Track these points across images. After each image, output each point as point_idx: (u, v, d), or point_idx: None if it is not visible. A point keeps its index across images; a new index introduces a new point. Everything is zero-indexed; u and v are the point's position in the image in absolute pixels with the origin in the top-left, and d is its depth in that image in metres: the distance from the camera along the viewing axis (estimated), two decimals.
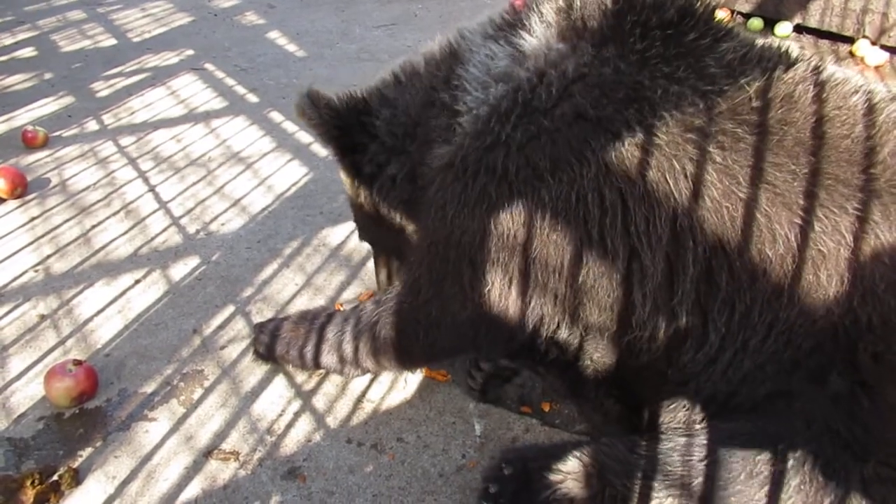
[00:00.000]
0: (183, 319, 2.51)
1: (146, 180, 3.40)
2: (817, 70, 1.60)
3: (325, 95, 2.01)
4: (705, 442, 1.60)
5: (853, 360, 1.49)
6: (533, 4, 1.78)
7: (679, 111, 1.52)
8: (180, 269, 2.77)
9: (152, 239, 2.96)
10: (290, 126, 3.97)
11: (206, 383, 2.24)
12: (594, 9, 1.66)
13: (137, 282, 2.69)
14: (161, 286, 2.68)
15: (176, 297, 2.62)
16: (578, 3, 1.69)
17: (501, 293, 1.75)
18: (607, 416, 2.06)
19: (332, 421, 2.12)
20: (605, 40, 1.62)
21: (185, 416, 2.12)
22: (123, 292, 2.63)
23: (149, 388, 2.22)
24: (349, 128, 2.00)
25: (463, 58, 1.84)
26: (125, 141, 3.78)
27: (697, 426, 1.70)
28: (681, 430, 1.70)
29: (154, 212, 3.15)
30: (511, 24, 1.81)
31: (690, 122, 1.52)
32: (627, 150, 1.54)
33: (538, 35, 1.72)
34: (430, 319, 1.89)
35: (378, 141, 1.99)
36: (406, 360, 2.06)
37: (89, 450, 2.01)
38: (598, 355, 1.89)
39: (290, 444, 2.04)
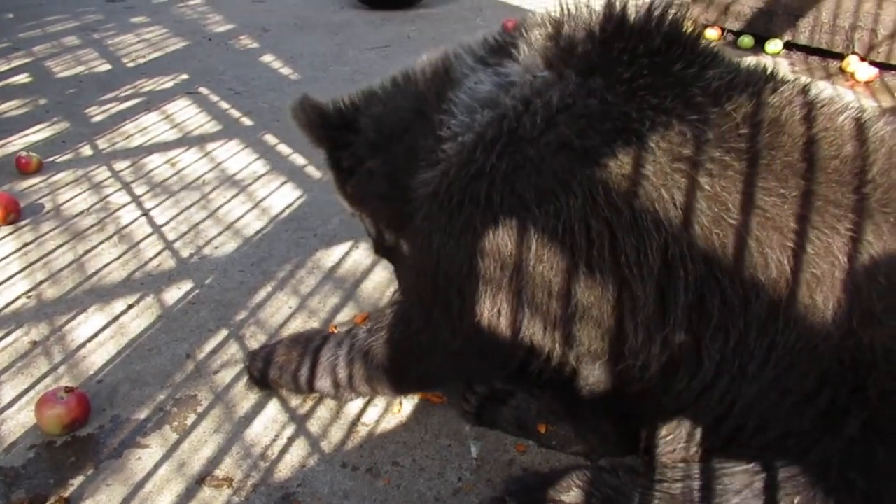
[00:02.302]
0: (176, 344, 2.50)
1: (140, 205, 3.40)
2: (804, 91, 1.60)
3: (316, 100, 2.04)
4: (713, 483, 1.57)
5: (865, 398, 1.46)
6: (521, 29, 1.79)
7: (666, 141, 1.51)
8: (174, 294, 2.76)
9: (146, 263, 2.95)
10: (284, 149, 3.98)
11: (200, 409, 2.22)
12: (582, 36, 1.66)
13: (130, 307, 2.68)
14: (154, 311, 2.66)
15: (169, 321, 2.61)
16: (567, 29, 1.69)
17: (491, 323, 1.73)
18: (604, 438, 2.04)
19: (327, 445, 2.10)
20: (593, 69, 1.61)
21: (178, 443, 2.10)
22: (116, 317, 2.62)
23: (141, 415, 2.20)
24: (336, 127, 2.02)
25: (454, 79, 1.84)
26: (119, 165, 3.79)
27: (704, 462, 1.66)
28: (686, 467, 1.67)
29: (148, 236, 3.14)
30: (500, 49, 1.81)
31: (678, 152, 1.51)
32: (614, 181, 1.53)
33: (525, 62, 1.71)
34: (422, 349, 1.88)
35: (362, 135, 1.99)
36: (400, 387, 2.05)
37: (81, 478, 1.98)
38: (591, 377, 1.88)
39: (285, 469, 2.02)
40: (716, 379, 1.57)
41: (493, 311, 1.72)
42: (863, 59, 5.04)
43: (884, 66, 4.99)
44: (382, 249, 2.26)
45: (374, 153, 1.97)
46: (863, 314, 1.45)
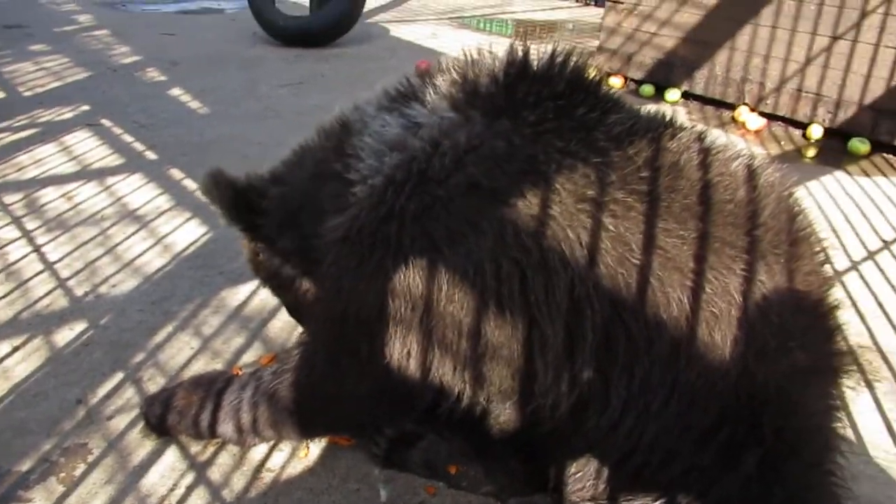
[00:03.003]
0: (66, 389, 2.34)
1: (31, 240, 3.21)
2: (700, 138, 1.68)
3: (227, 177, 2.02)
4: None
5: (761, 435, 1.51)
6: (425, 77, 1.82)
7: (572, 183, 1.56)
8: (65, 335, 2.60)
9: (35, 302, 2.77)
10: (190, 184, 3.86)
11: (91, 458, 2.08)
12: (486, 80, 1.70)
13: (16, 349, 2.50)
14: (43, 353, 2.50)
15: (59, 364, 2.45)
16: (471, 75, 1.73)
17: (400, 366, 1.71)
18: (514, 477, 2.03)
19: (229, 494, 2.00)
20: (499, 112, 1.65)
21: (64, 495, 1.95)
22: (0, 361, 2.44)
23: (24, 466, 2.04)
24: (247, 210, 2.02)
25: (354, 128, 1.86)
26: (10, 198, 3.58)
27: (611, 499, 1.68)
28: None
29: (38, 273, 2.96)
30: (405, 96, 1.84)
31: (583, 193, 1.55)
32: (523, 221, 1.55)
33: (432, 106, 1.74)
34: (328, 393, 1.85)
35: (268, 217, 2.00)
36: (306, 431, 1.99)
37: None
38: (502, 417, 1.88)
39: None
40: (623, 416, 1.60)
41: (402, 352, 1.70)
42: (752, 110, 5.39)
43: (771, 117, 5.36)
44: (295, 313, 2.26)
45: (282, 232, 1.99)
46: (757, 352, 1.51)
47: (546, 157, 1.58)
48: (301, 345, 1.93)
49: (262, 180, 2.05)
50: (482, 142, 1.61)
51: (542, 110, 1.63)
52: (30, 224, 3.35)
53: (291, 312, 2.34)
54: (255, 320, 2.76)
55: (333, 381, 1.82)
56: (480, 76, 1.72)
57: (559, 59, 1.71)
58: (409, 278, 1.62)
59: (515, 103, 1.65)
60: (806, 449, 1.53)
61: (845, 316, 1.76)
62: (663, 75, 5.97)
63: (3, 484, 1.98)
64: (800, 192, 1.73)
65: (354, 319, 1.71)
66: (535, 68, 1.70)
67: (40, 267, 3.01)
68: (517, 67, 1.70)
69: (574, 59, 1.72)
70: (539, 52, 1.73)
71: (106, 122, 4.67)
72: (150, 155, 4.23)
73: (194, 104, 5.20)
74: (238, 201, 2.01)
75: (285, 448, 2.16)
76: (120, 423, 2.22)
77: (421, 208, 1.60)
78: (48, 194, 3.66)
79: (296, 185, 1.97)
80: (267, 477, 2.07)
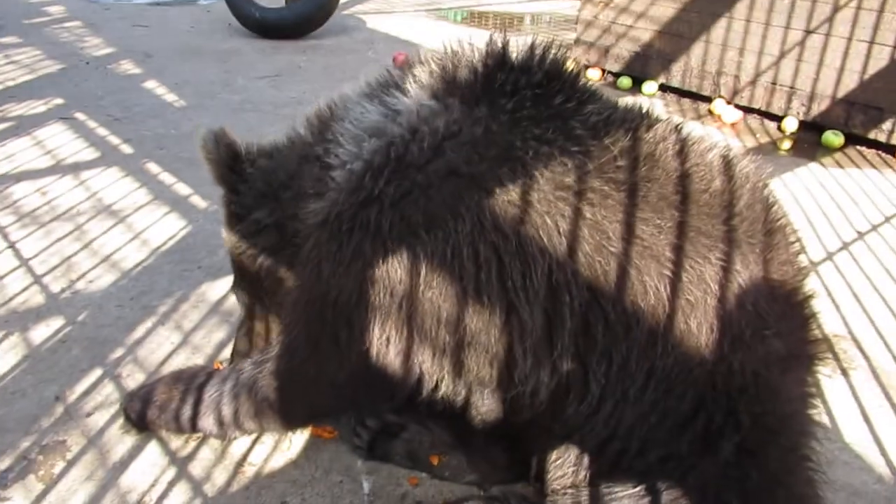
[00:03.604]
0: (44, 386, 2.31)
1: (5, 236, 3.16)
2: (676, 129, 1.71)
3: (229, 136, 2.02)
4: None
5: (738, 422, 1.54)
6: (405, 68, 1.83)
7: (549, 170, 1.57)
8: (42, 331, 2.57)
9: (10, 299, 2.73)
10: (168, 178, 3.82)
11: (69, 455, 2.06)
12: (465, 70, 1.72)
13: None
14: (19, 350, 2.47)
15: (36, 361, 2.42)
16: (450, 64, 1.75)
17: (379, 352, 1.72)
18: (495, 465, 2.05)
19: (210, 489, 1.99)
20: (477, 100, 1.66)
21: (43, 493, 1.94)
22: None
23: (2, 464, 2.01)
24: (232, 172, 2.02)
25: (337, 115, 1.87)
26: None
27: (592, 486, 1.70)
28: (575, 492, 1.70)
29: (13, 270, 2.92)
30: (385, 85, 1.85)
31: (561, 181, 1.57)
32: (501, 207, 1.57)
33: (411, 94, 1.75)
34: (308, 380, 1.84)
35: (248, 185, 2.00)
36: (287, 421, 1.98)
37: None
38: (483, 407, 1.89)
39: None
40: (601, 403, 1.62)
41: (381, 339, 1.70)
42: (728, 103, 5.44)
43: (747, 110, 5.41)
44: (238, 287, 2.22)
45: (261, 203, 1.99)
46: (733, 339, 1.54)
47: (523, 144, 1.60)
48: (282, 333, 1.93)
49: (254, 151, 2.06)
50: (460, 128, 1.62)
51: (519, 98, 1.65)
52: (3, 220, 3.30)
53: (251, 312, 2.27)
54: (235, 314, 2.74)
55: (314, 367, 1.82)
56: (459, 66, 1.73)
57: (538, 51, 1.72)
58: (388, 263, 1.63)
59: (493, 92, 1.66)
60: (783, 434, 1.56)
61: (820, 305, 1.79)
62: (640, 68, 6.01)
63: None
64: (775, 184, 1.76)
65: (334, 305, 1.71)
66: (514, 59, 1.71)
67: (15, 263, 2.97)
68: (496, 58, 1.71)
69: (553, 50, 1.73)
70: (518, 44, 1.74)
71: (80, 116, 4.61)
72: (126, 149, 4.18)
73: (170, 97, 5.14)
74: (231, 163, 2.02)
75: (267, 441, 2.15)
76: (99, 419, 2.20)
77: (399, 193, 1.61)
78: (21, 189, 3.60)
79: (281, 163, 1.99)
80: (249, 471, 2.06)
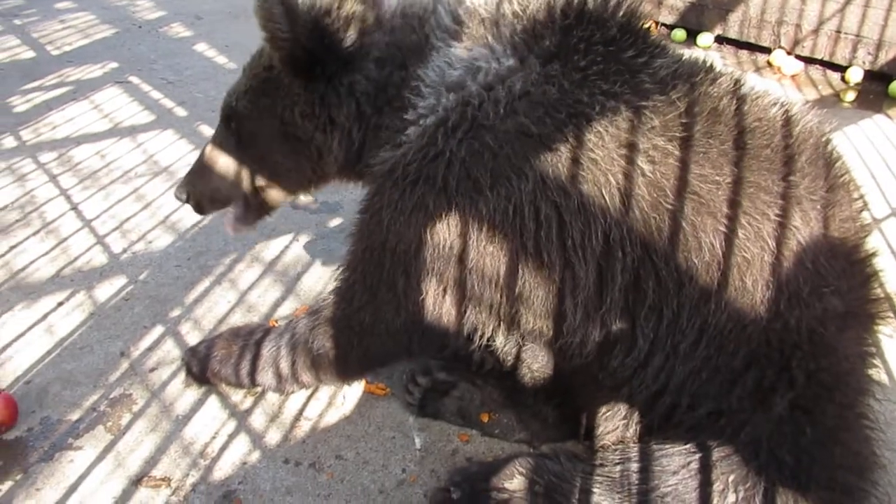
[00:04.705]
0: (109, 342, 2.42)
1: (68, 198, 3.27)
2: (739, 84, 1.67)
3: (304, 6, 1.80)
4: (651, 465, 1.62)
5: (791, 378, 1.53)
6: (491, 11, 1.76)
7: (614, 127, 1.57)
8: (106, 290, 2.67)
9: (75, 259, 2.84)
10: None
11: (135, 408, 2.16)
12: (545, 23, 1.68)
13: (60, 304, 2.58)
14: (86, 308, 2.57)
15: (101, 318, 2.52)
16: (532, 12, 1.71)
17: (436, 301, 1.76)
18: (545, 424, 2.07)
19: (269, 441, 2.07)
20: (552, 56, 1.64)
21: (112, 443, 2.04)
22: (45, 316, 2.52)
23: (73, 416, 2.12)
24: (320, 60, 1.83)
25: (426, 52, 1.80)
26: (45, 157, 3.63)
27: (642, 443, 1.71)
28: (625, 449, 1.71)
29: (77, 231, 3.03)
30: (470, 18, 1.78)
31: (625, 138, 1.56)
32: (565, 166, 1.57)
33: (492, 45, 1.72)
34: (364, 326, 1.89)
35: (368, 52, 1.84)
36: (342, 370, 2.03)
37: (9, 483, 1.91)
38: (535, 364, 1.90)
39: (225, 467, 1.98)
40: (650, 357, 1.63)
41: (438, 289, 1.74)
42: (789, 53, 5.22)
43: (808, 60, 5.19)
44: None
45: (377, 68, 1.84)
46: (790, 296, 1.52)
47: (590, 98, 1.58)
48: (337, 279, 1.97)
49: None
50: (535, 88, 1.62)
51: (592, 54, 1.63)
52: (65, 182, 3.41)
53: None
54: (289, 274, 2.81)
55: (370, 314, 1.86)
56: (540, 19, 1.69)
57: (612, 3, 1.68)
58: (449, 217, 1.65)
59: (569, 48, 1.64)
60: (839, 391, 1.54)
61: (883, 263, 1.73)
62: (695, 18, 5.79)
63: (55, 433, 2.06)
64: (838, 138, 1.70)
65: (393, 252, 1.75)
66: (591, 12, 1.67)
67: (78, 224, 3.07)
68: (575, 11, 1.68)
69: (627, 2, 1.69)
70: None
71: (134, 79, 4.69)
72: (180, 111, 4.25)
73: (220, 59, 5.18)
74: (312, 45, 1.80)
75: (322, 397, 2.22)
76: (162, 374, 2.29)
77: (469, 153, 1.63)
78: (82, 152, 3.71)
79: (403, 39, 1.84)
80: (305, 425, 2.13)
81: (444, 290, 1.74)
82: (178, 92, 4.53)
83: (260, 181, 2.09)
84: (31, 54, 5.08)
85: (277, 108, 1.92)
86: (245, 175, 2.08)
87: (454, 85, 1.72)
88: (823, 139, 1.64)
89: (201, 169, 2.12)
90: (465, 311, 1.77)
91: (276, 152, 2.00)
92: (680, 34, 5.84)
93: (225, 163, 2.08)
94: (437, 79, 1.75)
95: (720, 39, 5.72)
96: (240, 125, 2.01)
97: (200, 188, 2.13)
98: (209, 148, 2.11)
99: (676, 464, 1.59)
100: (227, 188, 2.10)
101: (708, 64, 1.73)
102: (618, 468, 1.67)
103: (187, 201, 2.16)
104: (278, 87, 1.91)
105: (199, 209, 2.19)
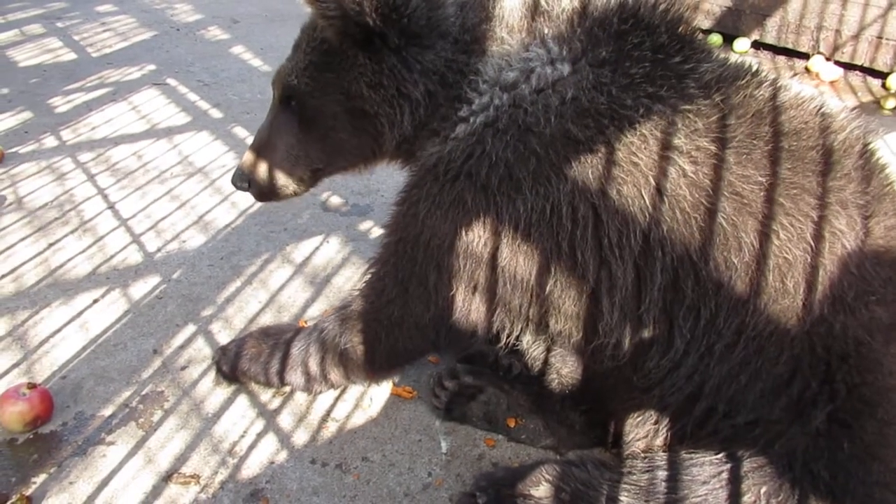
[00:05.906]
0: (143, 339, 2.46)
1: (105, 197, 3.34)
2: (784, 87, 1.66)
3: None
4: (680, 474, 1.60)
5: (833, 391, 1.50)
6: (553, 6, 1.72)
7: (658, 130, 1.56)
8: (140, 288, 2.72)
9: (111, 257, 2.90)
10: None
11: (167, 405, 2.19)
12: (603, 27, 1.67)
13: (96, 301, 2.63)
14: (120, 305, 2.62)
15: (136, 316, 2.57)
16: (590, 12, 1.69)
17: (465, 298, 1.77)
18: (573, 429, 2.06)
19: (296, 441, 2.08)
20: (603, 62, 1.64)
21: (144, 439, 2.07)
22: (81, 312, 2.57)
23: (107, 411, 2.16)
24: (379, 34, 1.72)
25: (488, 41, 1.74)
26: (84, 157, 3.71)
27: (672, 451, 1.69)
28: (654, 457, 1.69)
29: (114, 229, 3.08)
30: (530, 20, 1.75)
31: (668, 141, 1.56)
32: (606, 168, 1.57)
33: (549, 46, 1.69)
34: (392, 320, 1.90)
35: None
36: (369, 366, 2.04)
37: (43, 476, 1.95)
38: (564, 369, 1.89)
39: (253, 465, 2.00)
40: (684, 357, 1.61)
41: (469, 287, 1.75)
42: (828, 59, 5.13)
43: (848, 66, 5.09)
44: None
45: (445, 47, 1.77)
46: (834, 300, 1.49)
47: (635, 102, 1.58)
48: (368, 272, 1.97)
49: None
50: (584, 94, 1.61)
51: (641, 61, 1.62)
52: (103, 181, 3.48)
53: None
54: (319, 275, 2.83)
55: (400, 306, 1.87)
56: (596, 24, 1.67)
57: (661, 8, 1.68)
58: (486, 214, 1.66)
59: (621, 55, 1.63)
60: (881, 407, 1.50)
61: None
62: (732, 23, 5.72)
63: (88, 427, 2.10)
64: (878, 145, 1.67)
65: (426, 246, 1.75)
66: (643, 18, 1.66)
67: (115, 223, 3.13)
68: (629, 17, 1.66)
69: (676, 8, 1.69)
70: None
71: (172, 82, 4.77)
72: (215, 113, 4.32)
73: (256, 62, 5.25)
74: (371, 21, 1.70)
75: (349, 399, 2.23)
76: (193, 372, 2.32)
77: (515, 156, 1.63)
78: (119, 153, 3.78)
79: (478, 24, 1.77)
80: (332, 426, 2.14)
81: (475, 287, 1.75)
82: (214, 94, 4.60)
83: (318, 162, 2.01)
84: (72, 56, 5.20)
85: (343, 82, 1.82)
86: (306, 156, 2.00)
87: (509, 86, 1.70)
88: (871, 146, 1.62)
89: (261, 154, 2.03)
90: (495, 309, 1.77)
91: (339, 130, 1.92)
92: (717, 39, 5.77)
93: (287, 144, 1.99)
94: (494, 76, 1.72)
95: (757, 45, 5.64)
96: (302, 103, 1.91)
97: (261, 174, 2.05)
98: (266, 132, 2.02)
99: (707, 473, 1.57)
100: (288, 171, 2.02)
101: (753, 68, 1.71)
102: (646, 476, 1.65)
103: (249, 189, 2.08)
104: (342, 61, 1.81)
105: (262, 196, 2.10)
